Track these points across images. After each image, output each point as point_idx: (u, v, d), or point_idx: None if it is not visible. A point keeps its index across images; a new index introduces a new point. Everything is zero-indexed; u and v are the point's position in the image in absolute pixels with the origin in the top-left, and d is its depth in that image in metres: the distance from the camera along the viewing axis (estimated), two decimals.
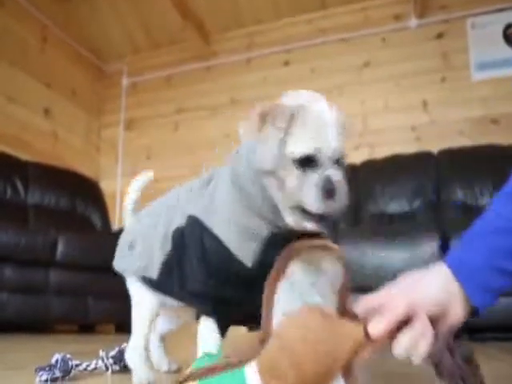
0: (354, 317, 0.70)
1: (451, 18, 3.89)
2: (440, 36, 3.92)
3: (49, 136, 4.34)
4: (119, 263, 1.16)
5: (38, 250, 2.83)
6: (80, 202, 3.86)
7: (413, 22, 3.97)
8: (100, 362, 1.27)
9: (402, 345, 0.68)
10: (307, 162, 0.73)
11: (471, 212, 3.04)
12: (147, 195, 4.84)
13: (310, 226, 0.75)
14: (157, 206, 1.13)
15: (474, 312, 0.73)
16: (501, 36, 3.74)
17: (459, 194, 3.21)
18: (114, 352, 1.29)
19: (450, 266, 0.72)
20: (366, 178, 3.44)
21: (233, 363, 0.63)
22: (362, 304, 0.71)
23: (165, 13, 4.36)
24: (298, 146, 0.73)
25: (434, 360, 0.71)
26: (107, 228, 3.94)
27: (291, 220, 0.77)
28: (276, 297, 0.69)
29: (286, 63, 4.37)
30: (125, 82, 4.97)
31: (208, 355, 0.73)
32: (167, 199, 1.11)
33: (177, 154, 4.58)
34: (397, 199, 3.34)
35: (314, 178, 0.72)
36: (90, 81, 4.96)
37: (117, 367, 1.27)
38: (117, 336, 3.11)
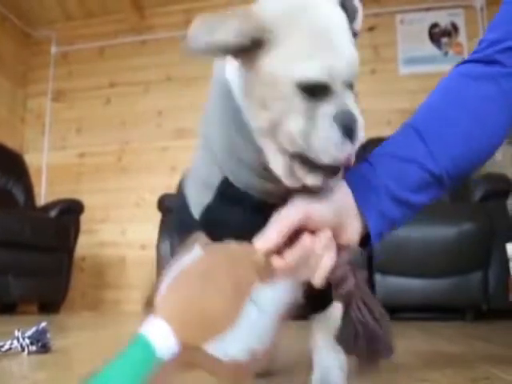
0: None
1: (382, 12, 4.02)
2: (371, 29, 4.04)
3: None
4: None
5: None
6: (1, 176, 3.67)
7: None
8: (15, 342, 1.22)
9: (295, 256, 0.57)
10: (311, 91, 0.50)
11: None
12: (73, 171, 4.66)
13: (315, 181, 0.55)
14: None
15: (365, 240, 0.65)
16: (426, 34, 3.94)
17: None
18: (31, 332, 1.25)
19: (349, 184, 0.66)
20: None
21: None
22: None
23: None
24: (296, 67, 0.49)
25: (336, 278, 0.62)
26: (31, 203, 3.78)
27: (285, 175, 0.56)
28: None
29: None
30: (54, 50, 4.72)
31: None
32: None
33: (107, 129, 4.43)
34: None
35: (328, 111, 0.50)
36: (15, 47, 4.65)
37: (34, 348, 1.23)
38: (39, 316, 3.01)
